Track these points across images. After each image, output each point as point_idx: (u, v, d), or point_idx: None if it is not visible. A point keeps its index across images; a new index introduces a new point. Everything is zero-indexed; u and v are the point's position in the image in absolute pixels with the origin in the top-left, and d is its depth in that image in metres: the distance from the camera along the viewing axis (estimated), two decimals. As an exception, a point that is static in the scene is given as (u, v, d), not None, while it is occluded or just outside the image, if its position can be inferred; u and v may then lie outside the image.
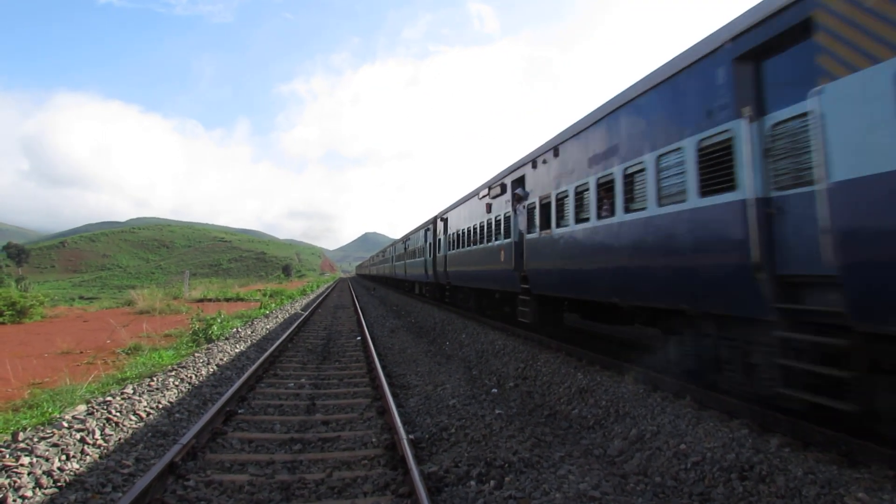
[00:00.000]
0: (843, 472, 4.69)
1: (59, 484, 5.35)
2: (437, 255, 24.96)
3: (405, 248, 38.15)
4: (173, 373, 10.26)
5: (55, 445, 6.06)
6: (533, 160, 12.80)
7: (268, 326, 19.75)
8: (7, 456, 5.66)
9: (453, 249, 21.61)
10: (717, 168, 6.53)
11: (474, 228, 18.25)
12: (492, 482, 5.29)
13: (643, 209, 7.97)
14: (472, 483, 5.35)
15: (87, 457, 6.05)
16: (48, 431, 6.47)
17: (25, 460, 5.57)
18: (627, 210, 8.40)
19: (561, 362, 10.21)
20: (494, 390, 9.47)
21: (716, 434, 5.81)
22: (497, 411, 7.49)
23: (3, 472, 5.31)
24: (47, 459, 5.71)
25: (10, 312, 24.73)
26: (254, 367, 10.49)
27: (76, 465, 5.78)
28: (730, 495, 4.82)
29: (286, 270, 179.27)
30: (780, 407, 6.00)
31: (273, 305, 30.17)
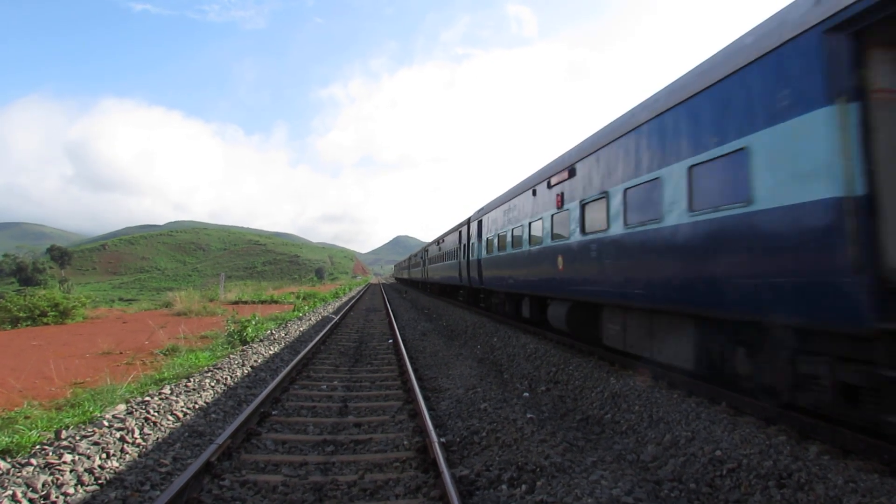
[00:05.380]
0: (886, 480, 4.55)
1: (100, 482, 5.49)
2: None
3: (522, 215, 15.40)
4: (209, 374, 10.45)
5: (96, 444, 6.22)
6: None
7: (301, 329, 19.97)
8: (50, 453, 5.83)
9: None
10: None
11: None
12: (523, 486, 5.26)
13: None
14: (504, 487, 5.33)
15: (127, 455, 6.20)
16: (90, 430, 6.65)
17: (68, 458, 5.73)
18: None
19: (593, 367, 10.12)
20: (526, 394, 9.42)
21: (753, 440, 5.69)
22: (529, 415, 7.45)
23: (47, 469, 5.47)
24: (89, 457, 5.86)
25: (53, 313, 25.52)
26: (287, 368, 10.61)
27: (116, 464, 5.93)
28: (767, 503, 4.72)
29: (319, 273, 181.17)
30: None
31: (306, 308, 30.51)
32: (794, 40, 5.50)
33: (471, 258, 23.27)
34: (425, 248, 47.53)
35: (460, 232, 26.81)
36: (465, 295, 29.30)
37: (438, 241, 36.56)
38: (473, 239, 22.89)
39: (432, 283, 42.52)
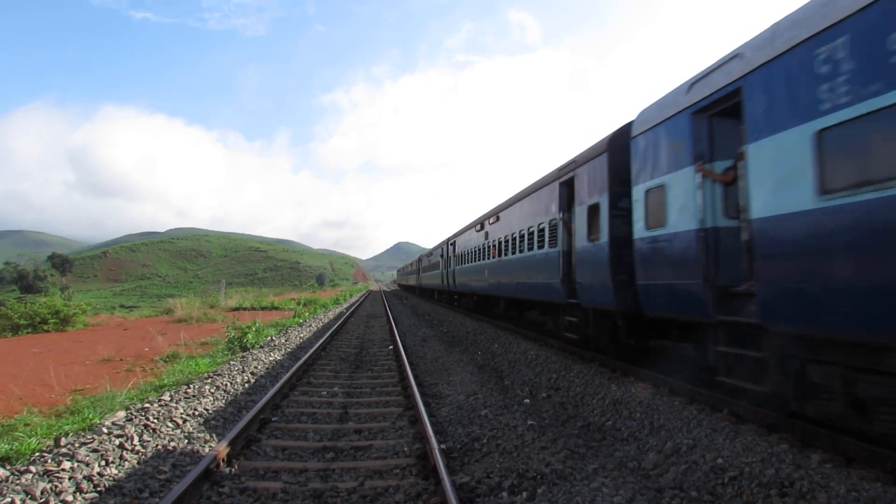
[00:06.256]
0: (889, 489, 4.52)
1: (98, 489, 5.47)
2: None
3: None
4: (209, 380, 10.43)
5: (95, 451, 6.20)
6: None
7: (301, 335, 19.94)
8: (49, 461, 5.81)
9: None
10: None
11: None
12: (524, 494, 5.23)
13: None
14: (504, 494, 5.30)
15: (126, 462, 6.17)
16: (89, 437, 6.62)
17: (67, 465, 5.71)
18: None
19: (594, 373, 10.10)
20: (527, 401, 9.40)
21: (754, 448, 5.66)
22: (529, 422, 7.43)
23: (46, 476, 5.45)
24: (88, 464, 5.84)
25: (54, 321, 25.52)
26: (287, 375, 10.60)
27: (115, 471, 5.91)
28: (769, 511, 4.69)
29: (320, 280, 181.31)
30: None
31: (307, 314, 30.48)
32: None
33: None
34: (450, 241, 31.53)
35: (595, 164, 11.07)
36: (615, 334, 10.80)
37: (484, 221, 21.51)
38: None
39: (465, 293, 27.86)
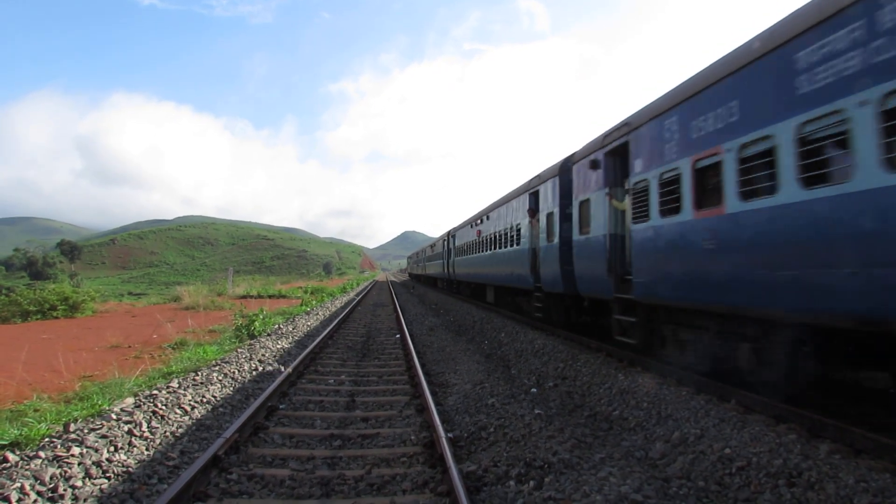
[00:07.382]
0: (898, 480, 4.50)
1: (107, 475, 5.49)
2: None
3: None
4: (217, 368, 10.47)
5: (104, 437, 6.23)
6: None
7: (309, 323, 20.00)
8: (59, 446, 5.84)
9: None
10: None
11: None
12: (531, 482, 5.22)
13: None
14: (512, 483, 5.29)
15: (135, 448, 6.20)
16: (98, 423, 6.66)
17: (76, 451, 5.74)
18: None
19: (601, 363, 10.07)
20: (534, 390, 9.39)
21: (762, 439, 5.63)
22: (536, 411, 7.42)
23: (55, 461, 5.48)
24: (96, 450, 5.87)
25: (63, 307, 25.73)
26: (295, 363, 10.63)
27: (124, 457, 5.94)
28: (777, 502, 4.66)
29: (327, 268, 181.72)
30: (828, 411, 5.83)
31: (314, 303, 30.55)
32: None
33: None
34: (558, 173, 13.58)
35: None
36: None
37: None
38: None
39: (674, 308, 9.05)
